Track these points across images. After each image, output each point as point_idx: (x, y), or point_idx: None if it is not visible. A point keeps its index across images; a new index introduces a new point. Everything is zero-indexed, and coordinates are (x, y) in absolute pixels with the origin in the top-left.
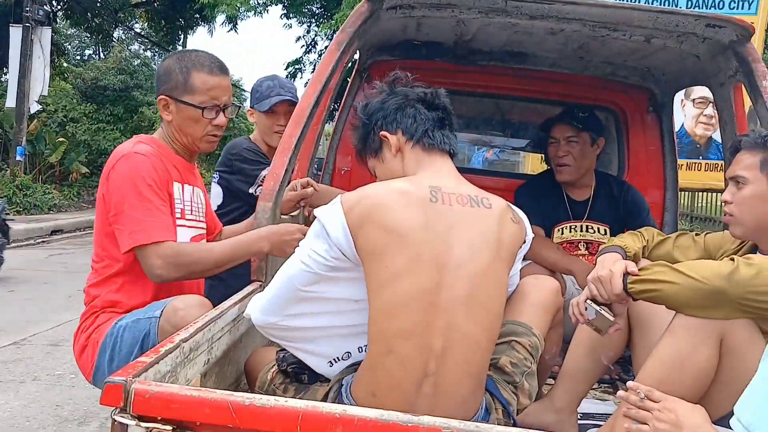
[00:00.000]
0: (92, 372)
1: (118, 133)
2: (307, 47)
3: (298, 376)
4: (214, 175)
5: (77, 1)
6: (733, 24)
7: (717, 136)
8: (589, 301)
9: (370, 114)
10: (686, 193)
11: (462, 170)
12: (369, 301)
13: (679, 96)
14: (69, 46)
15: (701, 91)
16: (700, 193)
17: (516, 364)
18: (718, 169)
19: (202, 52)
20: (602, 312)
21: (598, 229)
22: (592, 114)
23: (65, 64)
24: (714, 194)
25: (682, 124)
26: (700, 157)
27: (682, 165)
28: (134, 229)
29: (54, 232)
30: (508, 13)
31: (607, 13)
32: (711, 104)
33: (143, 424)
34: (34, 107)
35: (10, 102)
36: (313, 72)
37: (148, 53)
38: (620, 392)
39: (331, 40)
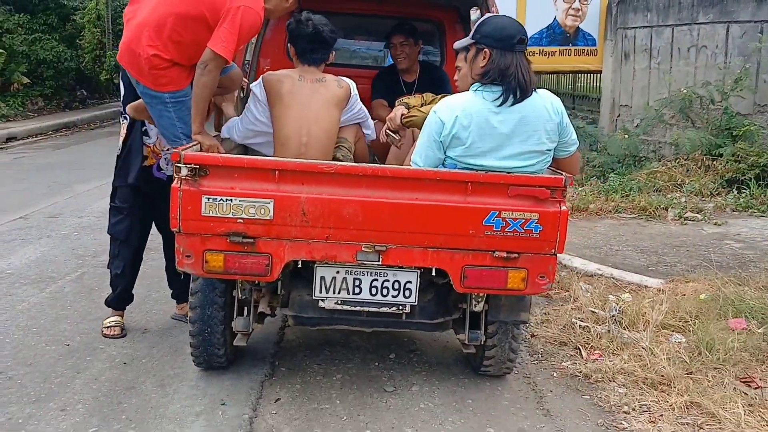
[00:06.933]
0: None
1: (55, 42)
2: None
3: None
4: None
5: None
6: None
7: (584, 26)
8: (386, 130)
9: None
10: (567, 75)
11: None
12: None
13: None
14: None
15: None
16: (581, 75)
17: (345, 156)
18: (585, 53)
19: None
20: (392, 134)
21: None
22: (413, 26)
23: None
24: (592, 75)
25: (555, 17)
26: (570, 44)
27: (555, 52)
28: None
29: (9, 139)
30: None
31: None
32: None
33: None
34: None
35: None
36: None
37: None
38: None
39: None
